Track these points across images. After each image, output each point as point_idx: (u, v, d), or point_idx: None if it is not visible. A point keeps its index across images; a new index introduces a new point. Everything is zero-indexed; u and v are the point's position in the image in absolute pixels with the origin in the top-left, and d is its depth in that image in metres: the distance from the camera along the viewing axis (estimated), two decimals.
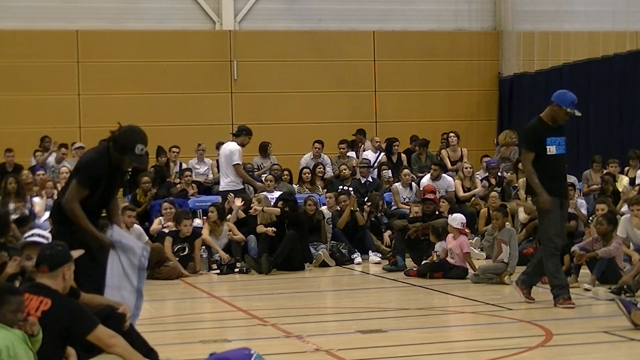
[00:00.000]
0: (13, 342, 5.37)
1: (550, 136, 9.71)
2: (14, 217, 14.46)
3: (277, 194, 15.66)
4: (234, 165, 15.47)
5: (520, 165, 17.79)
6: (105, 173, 7.65)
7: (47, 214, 14.82)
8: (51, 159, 18.09)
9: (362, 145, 19.73)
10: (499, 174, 17.68)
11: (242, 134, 15.76)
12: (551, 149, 9.69)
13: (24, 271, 7.25)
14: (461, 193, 16.96)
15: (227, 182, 15.63)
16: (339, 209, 15.56)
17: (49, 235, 7.03)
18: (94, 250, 7.67)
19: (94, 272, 7.62)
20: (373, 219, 15.93)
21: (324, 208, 15.98)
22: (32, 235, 6.91)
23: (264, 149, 18.93)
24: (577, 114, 9.82)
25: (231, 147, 15.59)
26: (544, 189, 9.56)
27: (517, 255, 12.13)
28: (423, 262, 13.30)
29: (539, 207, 9.70)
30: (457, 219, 12.76)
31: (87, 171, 7.60)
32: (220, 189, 15.93)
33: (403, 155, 19.61)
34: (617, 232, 11.88)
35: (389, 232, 15.71)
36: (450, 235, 12.75)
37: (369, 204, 16.15)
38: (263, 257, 13.82)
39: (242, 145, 15.61)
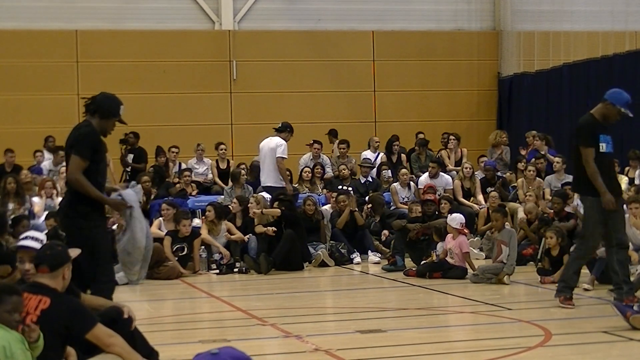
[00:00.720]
0: (10, 342, 5.35)
1: (602, 133, 9.46)
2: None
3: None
4: (277, 157, 15.22)
5: (519, 165, 17.85)
6: (101, 144, 7.93)
7: (46, 214, 14.86)
8: (47, 163, 17.94)
9: (333, 146, 19.61)
10: (497, 174, 17.68)
11: (286, 130, 15.52)
12: (603, 147, 9.42)
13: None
14: (460, 193, 16.92)
15: (273, 177, 15.37)
16: (337, 209, 15.56)
17: (44, 237, 7.01)
18: (103, 247, 7.81)
19: (108, 267, 7.86)
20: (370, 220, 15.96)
21: (326, 207, 15.98)
22: (26, 238, 6.88)
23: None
24: (630, 114, 9.51)
25: (277, 140, 15.33)
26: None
27: (516, 256, 12.11)
28: (422, 262, 13.31)
29: (604, 207, 9.28)
30: (456, 219, 12.75)
31: (87, 143, 7.80)
32: (264, 185, 15.70)
33: (403, 155, 19.59)
34: None
35: (385, 231, 15.71)
36: (449, 235, 12.75)
37: (370, 205, 16.14)
38: (261, 256, 13.81)
39: (285, 141, 15.43)
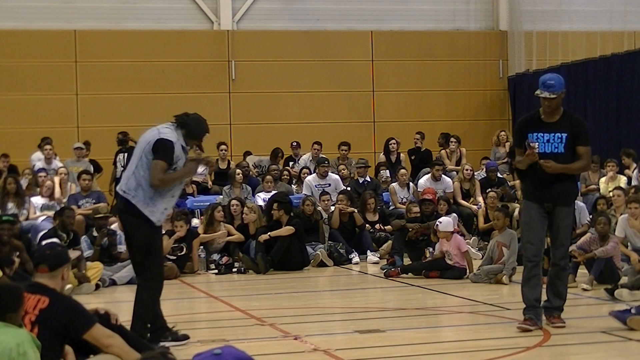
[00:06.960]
0: (23, 340, 5.37)
1: None
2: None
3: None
4: None
5: (513, 165, 17.82)
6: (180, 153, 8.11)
7: (46, 214, 14.88)
8: (40, 163, 17.83)
9: (297, 158, 19.54)
10: (498, 175, 17.66)
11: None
12: None
13: None
14: (459, 194, 16.87)
15: None
16: (332, 209, 15.57)
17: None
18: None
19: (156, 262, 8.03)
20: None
21: (319, 208, 15.98)
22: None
23: (274, 155, 19.01)
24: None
25: None
26: None
27: (516, 259, 12.04)
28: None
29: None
30: (446, 225, 12.51)
31: (168, 151, 7.98)
32: None
33: (402, 155, 19.58)
34: (616, 232, 11.88)
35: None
36: (442, 240, 12.60)
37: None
38: (259, 257, 13.81)
39: None
